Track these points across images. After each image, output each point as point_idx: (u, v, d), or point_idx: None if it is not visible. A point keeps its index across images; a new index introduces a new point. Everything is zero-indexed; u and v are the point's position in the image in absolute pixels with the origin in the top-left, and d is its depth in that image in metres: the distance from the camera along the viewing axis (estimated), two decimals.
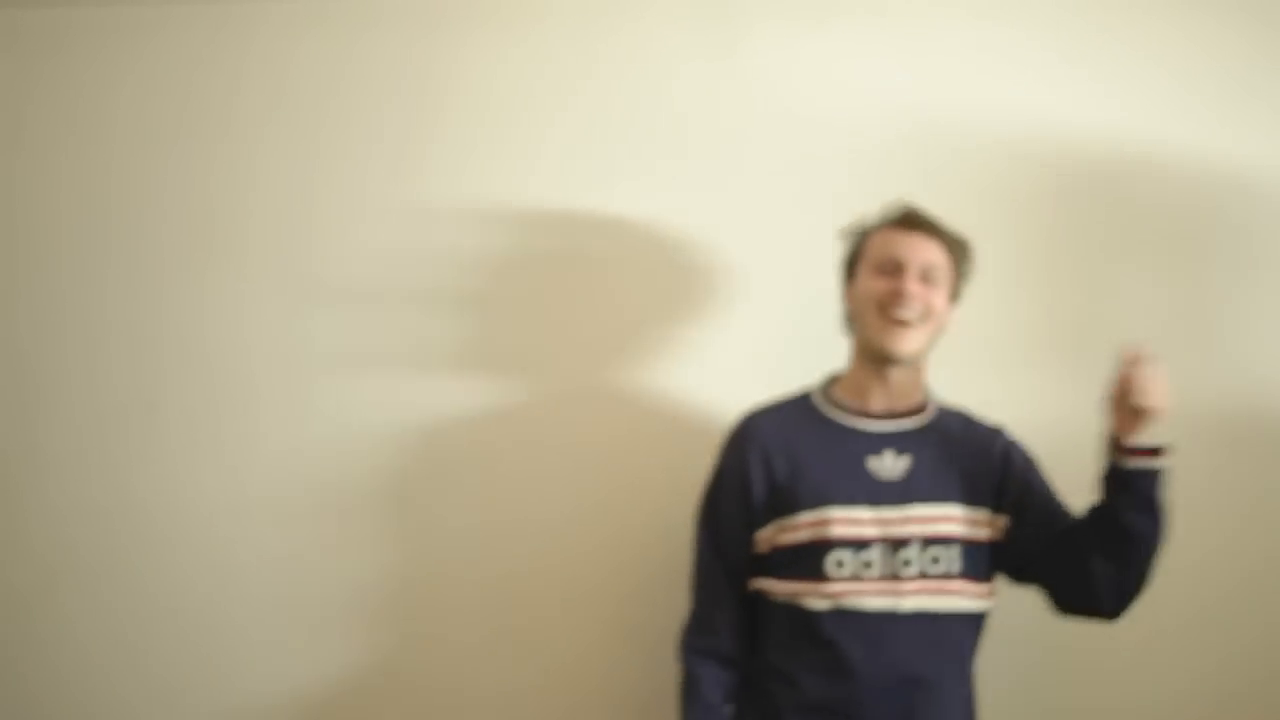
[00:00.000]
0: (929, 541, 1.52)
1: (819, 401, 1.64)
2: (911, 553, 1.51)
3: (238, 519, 1.96)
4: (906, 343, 1.55)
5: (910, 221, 1.61)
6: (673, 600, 1.74)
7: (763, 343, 1.91)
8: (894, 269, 1.57)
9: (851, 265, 1.66)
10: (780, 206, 1.93)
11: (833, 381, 1.67)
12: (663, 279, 1.94)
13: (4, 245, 2.03)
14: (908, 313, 1.54)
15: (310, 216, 2.00)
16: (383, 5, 2.01)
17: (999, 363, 1.89)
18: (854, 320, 1.63)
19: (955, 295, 1.62)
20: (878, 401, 1.60)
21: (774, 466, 1.57)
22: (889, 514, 1.53)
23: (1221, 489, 1.85)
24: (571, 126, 1.97)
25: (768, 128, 1.94)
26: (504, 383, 1.94)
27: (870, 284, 1.58)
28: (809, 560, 1.52)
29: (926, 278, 1.57)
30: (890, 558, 1.51)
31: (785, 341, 1.90)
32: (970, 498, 1.57)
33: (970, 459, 1.59)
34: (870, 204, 1.87)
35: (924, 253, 1.58)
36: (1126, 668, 1.84)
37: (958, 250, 1.62)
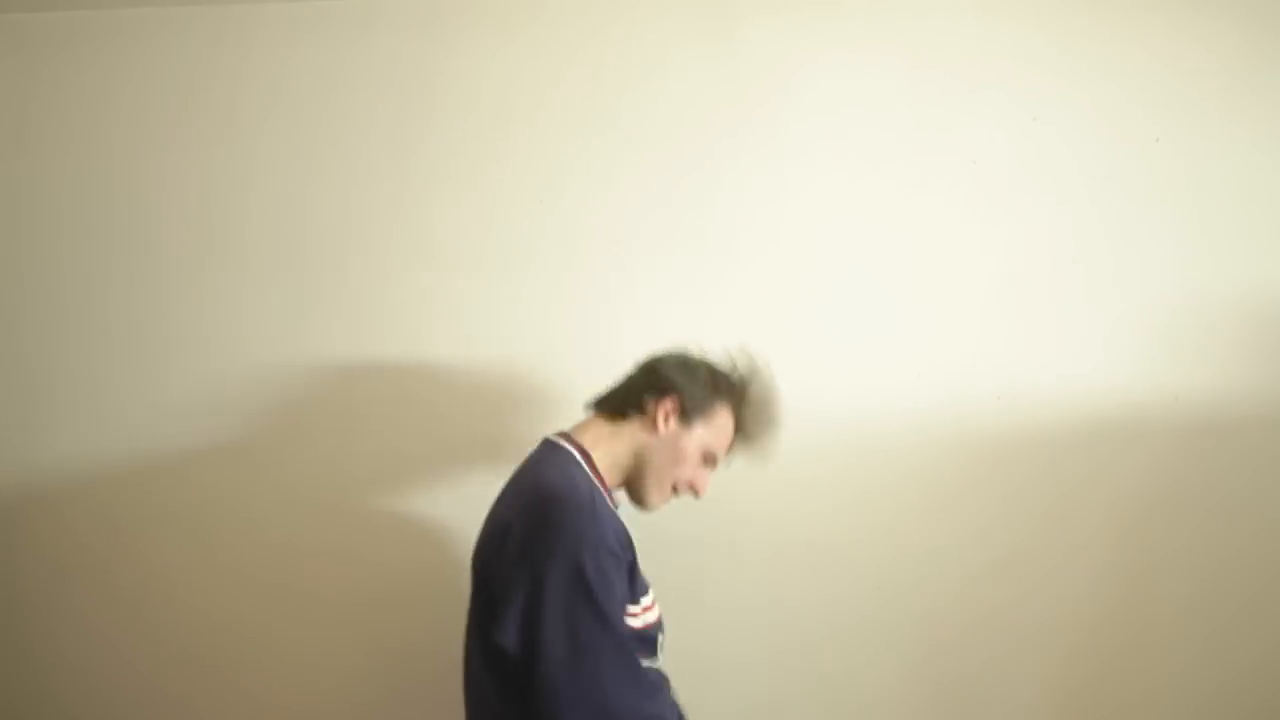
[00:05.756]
0: None
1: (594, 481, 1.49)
2: None
3: (240, 516, 1.97)
4: (660, 508, 1.54)
5: (763, 445, 1.58)
6: None
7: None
8: (710, 462, 1.54)
9: (696, 407, 1.51)
10: (776, 197, 1.95)
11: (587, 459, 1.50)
12: (660, 262, 1.96)
13: (8, 245, 2.05)
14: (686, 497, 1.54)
15: (308, 216, 2.01)
16: (379, 7, 2.03)
17: None
18: (643, 452, 1.50)
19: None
20: None
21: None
22: None
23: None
24: (565, 117, 1.99)
25: (762, 115, 1.96)
26: (506, 374, 1.94)
27: (689, 464, 1.51)
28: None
29: None
30: None
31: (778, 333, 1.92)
32: None
33: None
34: (865, 196, 1.89)
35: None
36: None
37: None
